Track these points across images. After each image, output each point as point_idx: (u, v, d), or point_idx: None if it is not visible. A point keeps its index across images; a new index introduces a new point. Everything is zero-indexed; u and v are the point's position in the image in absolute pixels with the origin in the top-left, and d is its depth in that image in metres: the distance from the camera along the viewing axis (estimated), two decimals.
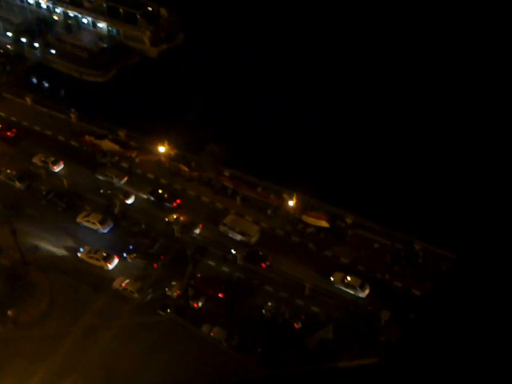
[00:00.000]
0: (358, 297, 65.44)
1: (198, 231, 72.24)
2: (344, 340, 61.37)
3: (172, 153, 77.70)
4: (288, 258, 69.12)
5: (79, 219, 72.70)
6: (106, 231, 71.95)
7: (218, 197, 75.56)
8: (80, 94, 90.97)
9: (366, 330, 62.13)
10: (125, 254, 68.90)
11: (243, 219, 72.40)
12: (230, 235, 71.31)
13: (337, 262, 68.89)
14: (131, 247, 69.18)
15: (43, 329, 60.55)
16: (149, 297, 64.56)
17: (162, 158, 78.35)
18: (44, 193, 75.72)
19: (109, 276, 66.30)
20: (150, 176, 79.31)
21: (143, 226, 72.28)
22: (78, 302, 62.68)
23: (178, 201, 75.42)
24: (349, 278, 65.61)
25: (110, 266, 67.74)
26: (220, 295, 64.76)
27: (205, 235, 71.54)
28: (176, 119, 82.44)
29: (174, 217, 72.70)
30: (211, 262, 68.73)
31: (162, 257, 68.28)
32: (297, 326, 62.44)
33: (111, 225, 72.25)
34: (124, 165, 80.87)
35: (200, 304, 64.45)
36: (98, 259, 67.79)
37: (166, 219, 72.98)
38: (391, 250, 69.64)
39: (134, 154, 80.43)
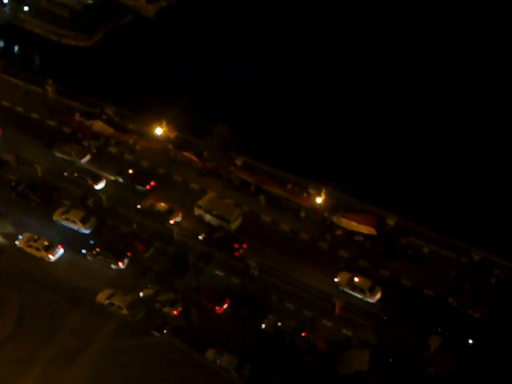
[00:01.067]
0: (367, 302, 64.29)
1: (176, 220, 71.26)
2: (383, 371, 59.82)
3: (172, 135, 75.77)
4: (281, 252, 68.24)
5: (56, 216, 70.81)
6: (88, 231, 70.10)
7: (235, 193, 73.53)
8: (59, 62, 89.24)
9: (410, 360, 60.47)
10: (84, 251, 67.58)
11: (222, 200, 71.71)
12: (207, 220, 70.46)
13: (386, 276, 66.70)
14: (92, 242, 68.12)
15: (10, 351, 59.30)
16: (141, 314, 62.96)
17: (170, 146, 76.28)
18: (13, 184, 74.00)
19: (88, 287, 64.74)
20: (145, 164, 77.73)
21: (135, 226, 70.33)
22: (53, 319, 61.49)
23: (153, 183, 74.26)
24: (357, 280, 64.68)
25: (53, 258, 67.02)
26: (218, 309, 63.14)
27: (185, 225, 70.71)
28: (177, 93, 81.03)
29: (148, 203, 71.97)
30: (218, 272, 66.98)
31: (129, 253, 66.80)
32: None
33: (95, 224, 70.37)
34: (112, 150, 79.02)
35: (174, 312, 62.90)
36: (38, 249, 66.81)
37: (139, 206, 71.63)
38: (457, 263, 67.17)
39: (131, 140, 78.91)
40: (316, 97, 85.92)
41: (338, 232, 69.85)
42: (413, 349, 61.21)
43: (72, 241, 69.23)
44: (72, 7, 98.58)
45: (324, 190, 69.73)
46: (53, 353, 58.42)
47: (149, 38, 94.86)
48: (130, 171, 74.66)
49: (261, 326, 62.90)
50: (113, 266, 66.86)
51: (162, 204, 72.00)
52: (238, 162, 75.74)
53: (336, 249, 69.49)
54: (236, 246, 68.37)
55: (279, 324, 62.40)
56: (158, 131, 75.62)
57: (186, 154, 76.87)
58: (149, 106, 79.82)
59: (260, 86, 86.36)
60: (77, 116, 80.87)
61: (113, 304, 62.81)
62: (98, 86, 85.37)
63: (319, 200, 70.14)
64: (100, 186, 75.05)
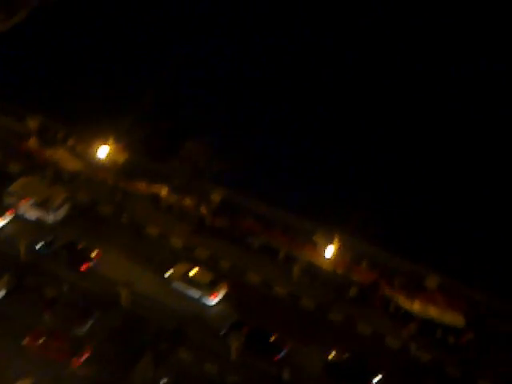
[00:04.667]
0: (204, 304, 65.63)
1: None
2: None
3: (121, 158, 75.07)
4: (116, 247, 70.37)
5: None
6: None
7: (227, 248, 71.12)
8: None
9: None
10: None
11: (43, 184, 72.91)
12: (22, 212, 70.82)
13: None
14: None
15: None
16: None
17: (162, 193, 74.19)
18: None
19: None
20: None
21: (65, 289, 67.12)
22: None
23: None
24: (194, 272, 66.68)
25: None
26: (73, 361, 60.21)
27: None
28: (127, 97, 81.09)
29: None
30: (187, 355, 63.62)
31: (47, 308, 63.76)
32: None
33: (9, 282, 66.60)
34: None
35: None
36: None
37: None
38: None
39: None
40: (323, 95, 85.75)
41: (412, 326, 64.78)
42: None
43: None
44: None
45: (336, 238, 67.05)
46: None
47: (87, 19, 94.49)
48: None
49: None
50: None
51: None
52: (216, 197, 73.79)
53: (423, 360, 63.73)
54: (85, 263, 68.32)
55: None
56: (102, 151, 73.77)
57: (187, 201, 74.16)
58: (86, 114, 78.79)
59: (241, 83, 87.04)
60: (33, 141, 78.97)
61: None
62: (16, 86, 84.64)
63: (329, 252, 67.19)
64: None
